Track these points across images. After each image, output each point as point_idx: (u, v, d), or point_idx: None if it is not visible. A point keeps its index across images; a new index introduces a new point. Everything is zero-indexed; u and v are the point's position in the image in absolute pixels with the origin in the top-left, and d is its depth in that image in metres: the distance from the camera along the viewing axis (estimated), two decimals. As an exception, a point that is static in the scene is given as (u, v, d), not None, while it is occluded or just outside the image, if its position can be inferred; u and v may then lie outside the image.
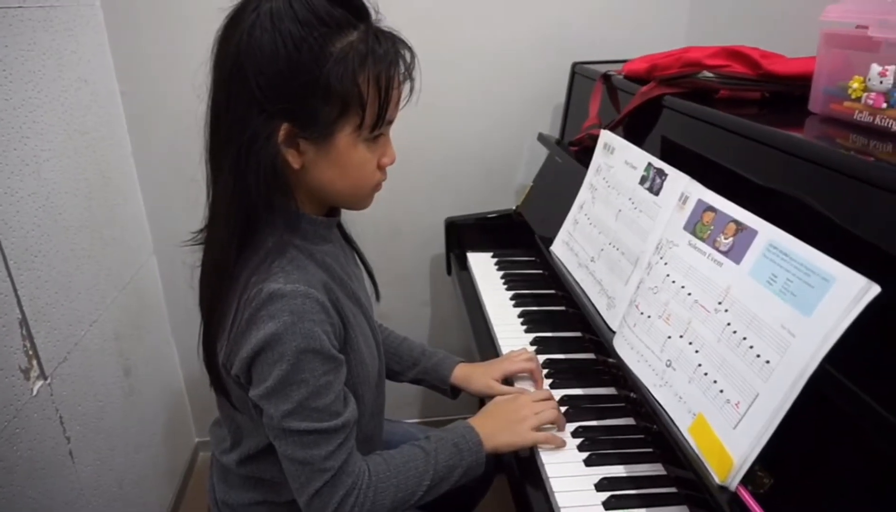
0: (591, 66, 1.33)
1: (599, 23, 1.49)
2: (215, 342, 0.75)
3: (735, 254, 0.68)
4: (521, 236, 1.37)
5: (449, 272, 1.51)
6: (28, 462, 0.96)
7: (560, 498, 0.77)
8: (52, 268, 1.07)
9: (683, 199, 0.80)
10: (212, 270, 0.74)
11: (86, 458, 1.14)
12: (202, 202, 0.76)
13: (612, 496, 0.76)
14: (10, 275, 0.95)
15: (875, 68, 0.70)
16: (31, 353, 0.99)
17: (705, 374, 0.68)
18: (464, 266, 1.43)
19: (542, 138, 1.46)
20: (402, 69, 0.71)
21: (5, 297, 0.94)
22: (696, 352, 0.70)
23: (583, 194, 1.08)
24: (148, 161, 1.47)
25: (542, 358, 1.04)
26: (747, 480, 0.60)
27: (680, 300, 0.75)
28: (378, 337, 0.87)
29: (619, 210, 0.95)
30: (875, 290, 0.53)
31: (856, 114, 0.74)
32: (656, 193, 0.87)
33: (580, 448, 0.85)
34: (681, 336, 0.73)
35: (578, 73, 1.39)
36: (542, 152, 1.45)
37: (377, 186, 0.78)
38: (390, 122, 0.74)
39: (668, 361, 0.74)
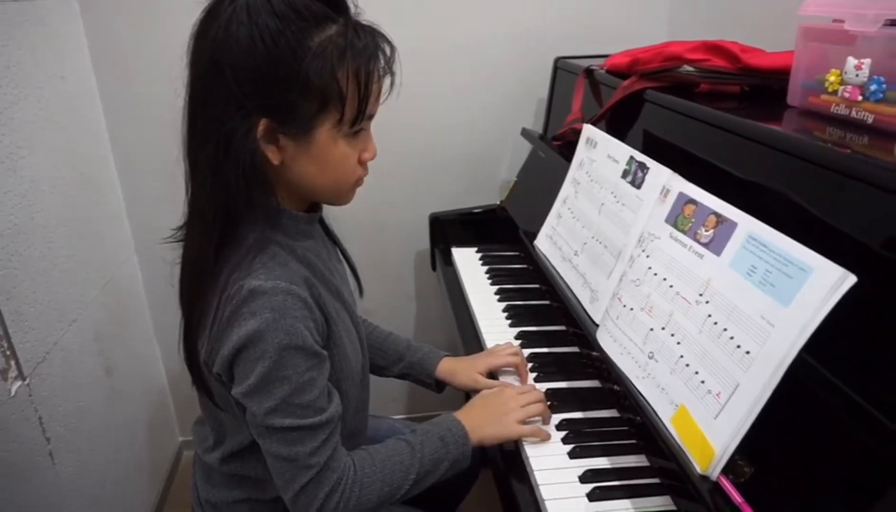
0: (574, 61, 1.33)
1: (582, 18, 1.49)
2: (196, 340, 0.74)
3: (715, 246, 0.69)
4: (505, 231, 1.37)
5: (434, 267, 1.51)
6: (6, 464, 0.95)
7: (545, 491, 0.77)
8: (30, 266, 1.06)
9: (665, 193, 0.81)
10: (191, 267, 0.73)
11: (66, 459, 1.13)
12: (183, 199, 0.75)
13: (596, 488, 0.77)
14: (-15, 274, 0.93)
15: (851, 62, 0.71)
16: (8, 353, 0.97)
17: (687, 365, 0.69)
18: (448, 261, 1.43)
19: (525, 133, 1.46)
20: (382, 63, 0.70)
21: (-19, 296, 0.92)
22: (678, 343, 0.71)
23: (566, 188, 1.09)
24: (128, 157, 1.45)
25: (526, 352, 1.04)
26: (728, 469, 0.61)
27: (662, 292, 0.75)
28: (361, 332, 0.86)
29: (602, 204, 0.96)
30: (851, 280, 0.54)
31: (833, 107, 0.75)
32: (638, 187, 0.87)
33: (564, 441, 0.85)
34: (663, 328, 0.74)
35: (561, 68, 1.39)
36: (526, 147, 1.45)
37: (358, 182, 0.78)
38: (371, 117, 0.73)
39: (651, 352, 0.75)
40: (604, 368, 0.95)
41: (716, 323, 0.66)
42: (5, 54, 1.03)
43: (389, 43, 0.71)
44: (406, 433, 0.83)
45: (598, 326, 0.88)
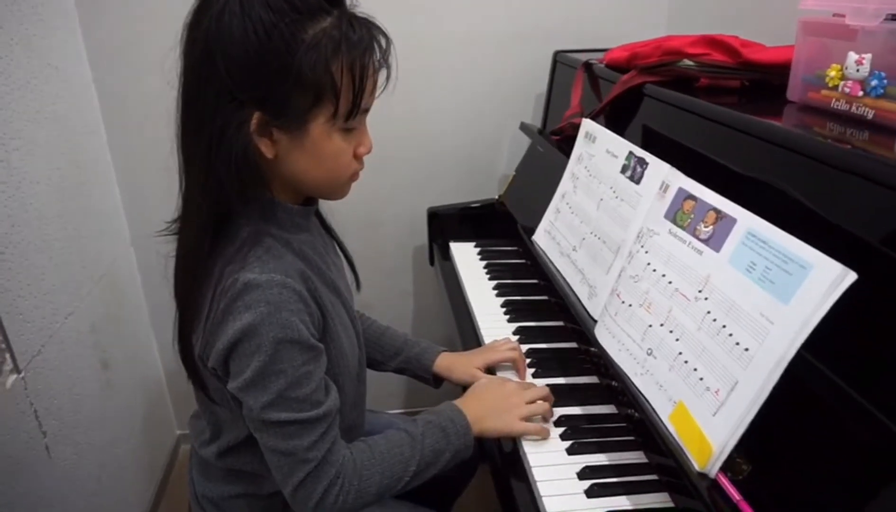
0: (573, 55, 1.32)
1: (581, 11, 1.48)
2: (191, 334, 0.73)
3: (715, 242, 0.68)
4: (503, 226, 1.36)
5: (432, 262, 1.51)
6: (2, 457, 0.94)
7: (542, 487, 0.77)
8: (25, 259, 1.05)
9: (664, 188, 0.80)
10: (185, 260, 0.73)
11: (63, 452, 1.12)
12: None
13: (594, 484, 0.77)
14: (-21, 267, 0.92)
15: (852, 56, 0.71)
16: (2, 346, 0.97)
17: (685, 362, 0.68)
18: (447, 256, 1.43)
19: (524, 127, 1.45)
20: (378, 56, 0.69)
21: (-25, 289, 0.92)
22: (677, 340, 0.70)
23: (564, 183, 1.08)
24: (124, 149, 1.44)
25: (524, 347, 1.04)
26: (727, 466, 0.61)
27: (660, 288, 0.75)
28: (358, 327, 0.86)
29: (601, 199, 0.95)
30: (851, 277, 0.54)
31: (833, 102, 0.75)
32: (637, 182, 0.87)
33: (563, 437, 0.85)
34: (661, 324, 0.73)
35: (560, 62, 1.38)
36: (525, 141, 1.44)
37: (354, 176, 0.77)
38: (366, 111, 0.73)
39: (649, 349, 0.74)
40: (602, 364, 0.94)
41: (715, 320, 0.66)
42: (-2, 45, 1.02)
43: (385, 35, 0.70)
44: (408, 421, 0.82)
45: (596, 322, 0.88)
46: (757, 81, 0.94)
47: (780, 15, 0.90)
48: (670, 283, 0.74)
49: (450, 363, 1.00)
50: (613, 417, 0.89)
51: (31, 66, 1.12)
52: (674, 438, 0.67)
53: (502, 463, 0.84)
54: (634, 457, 0.81)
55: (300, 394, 0.70)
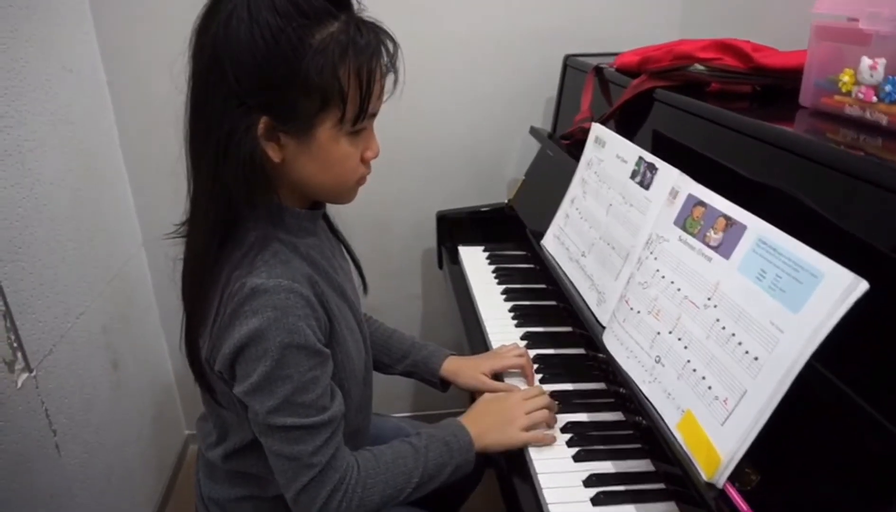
0: (584, 59, 1.32)
1: (592, 15, 1.47)
2: (198, 338, 0.74)
3: (724, 249, 0.68)
4: (512, 230, 1.36)
5: (440, 266, 1.50)
6: (13, 455, 0.95)
7: (548, 494, 0.77)
8: (37, 259, 1.06)
9: (674, 194, 0.79)
10: (193, 264, 0.73)
11: (73, 451, 1.13)
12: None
13: (600, 492, 0.76)
14: (-8, 267, 0.94)
15: (866, 61, 0.70)
16: (15, 345, 0.98)
17: (694, 370, 0.68)
18: (455, 260, 1.42)
19: (533, 132, 1.45)
20: (385, 60, 0.69)
21: (-12, 289, 0.93)
22: (685, 348, 0.70)
23: (574, 188, 1.08)
24: (136, 151, 1.45)
25: (532, 353, 1.03)
26: (735, 477, 0.60)
27: (669, 296, 0.74)
28: (364, 330, 0.86)
29: (610, 204, 0.95)
30: (863, 286, 0.53)
31: (846, 108, 0.74)
32: (647, 188, 0.86)
33: (569, 444, 0.85)
34: (670, 332, 0.73)
35: (570, 66, 1.38)
36: (535, 146, 1.44)
37: (361, 180, 0.77)
38: (373, 116, 0.73)
39: (657, 356, 0.74)
40: (610, 370, 0.94)
41: (724, 328, 0.65)
42: (13, 48, 1.03)
43: (392, 40, 0.70)
44: (411, 435, 0.82)
45: (604, 328, 0.87)
46: (769, 86, 0.93)
47: (793, 19, 0.90)
48: (679, 290, 0.73)
49: (457, 368, 1.00)
50: (621, 424, 0.88)
51: (46, 69, 1.13)
52: (681, 446, 0.66)
53: (508, 469, 0.84)
54: (641, 465, 0.81)
55: (306, 399, 0.70)
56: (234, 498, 0.86)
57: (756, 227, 0.65)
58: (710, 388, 0.65)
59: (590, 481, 0.78)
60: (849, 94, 0.73)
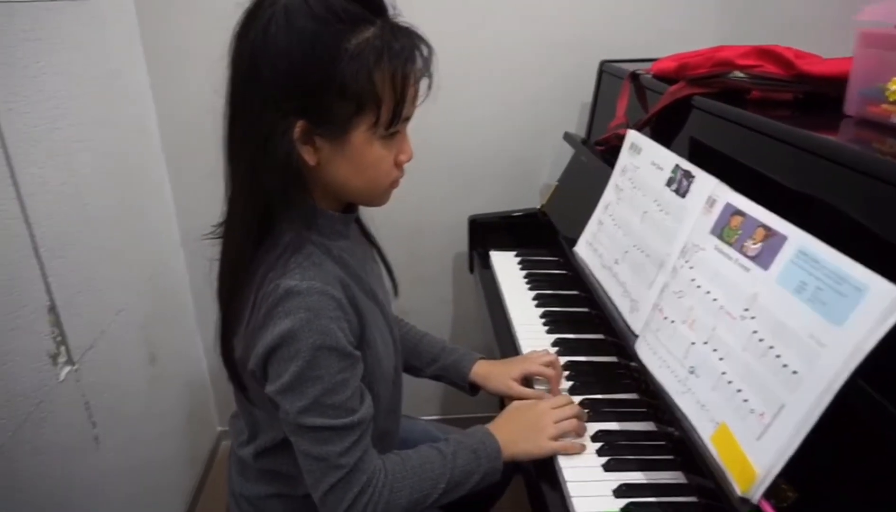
0: (620, 65, 1.31)
1: (629, 21, 1.46)
2: (232, 337, 0.75)
3: (763, 260, 0.66)
4: (545, 236, 1.35)
5: (471, 270, 1.50)
6: (54, 446, 0.98)
7: (577, 503, 0.76)
8: (81, 257, 1.10)
9: (711, 203, 0.78)
10: (229, 264, 0.75)
11: (110, 443, 1.16)
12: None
13: (630, 503, 0.75)
14: (40, 263, 0.97)
15: (916, 70, 0.68)
16: (59, 339, 1.01)
17: (729, 382, 0.66)
18: (486, 265, 1.42)
19: (567, 137, 1.44)
20: (419, 65, 0.70)
21: (36, 283, 0.96)
22: (721, 359, 0.68)
23: (608, 195, 1.07)
24: (177, 154, 1.49)
25: (563, 360, 1.02)
26: (770, 493, 0.59)
27: (705, 306, 0.73)
28: (395, 333, 0.86)
29: (645, 212, 0.93)
30: (910, 301, 0.51)
31: (893, 117, 0.72)
32: (683, 196, 0.85)
33: (599, 453, 0.84)
34: (705, 342, 0.71)
35: (606, 72, 1.37)
36: (568, 151, 1.43)
37: (394, 184, 0.78)
38: (407, 120, 0.73)
39: (692, 367, 0.73)
40: (642, 380, 0.92)
41: (761, 340, 0.64)
42: (62, 51, 1.07)
43: (427, 45, 0.70)
44: (439, 441, 0.82)
45: (637, 336, 0.86)
46: (812, 95, 0.91)
47: (838, 26, 0.87)
48: (715, 300, 0.72)
49: (486, 373, 1.00)
50: (652, 434, 0.87)
51: (94, 73, 1.17)
52: (715, 459, 0.65)
53: (537, 476, 0.84)
54: (673, 477, 0.79)
55: (335, 401, 0.71)
56: (264, 495, 0.88)
57: (797, 238, 0.63)
58: (745, 401, 0.63)
59: (620, 491, 0.77)
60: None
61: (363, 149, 0.71)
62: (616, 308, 0.94)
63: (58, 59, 1.05)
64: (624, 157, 1.04)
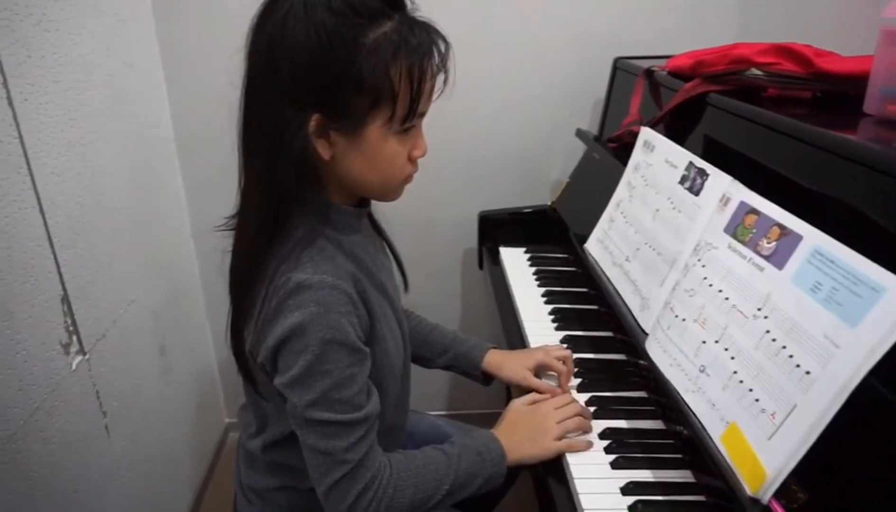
0: (634, 62, 1.30)
1: (643, 17, 1.45)
2: (243, 329, 0.75)
3: (778, 259, 0.66)
4: (555, 233, 1.35)
5: (481, 266, 1.50)
6: (66, 434, 0.99)
7: (584, 500, 0.76)
8: (94, 247, 1.10)
9: (725, 201, 0.77)
10: (241, 256, 0.75)
11: (121, 433, 1.17)
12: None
13: (638, 501, 0.75)
14: (54, 252, 0.98)
15: (938, 68, 0.66)
16: (71, 329, 1.02)
17: (741, 381, 0.66)
18: (496, 260, 1.42)
19: (580, 134, 1.44)
20: (436, 60, 0.69)
21: (49, 274, 0.97)
22: (732, 358, 0.68)
23: (620, 192, 1.06)
24: (189, 146, 1.50)
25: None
26: (781, 493, 0.58)
27: (717, 304, 0.72)
28: (405, 328, 0.86)
29: (657, 209, 0.93)
30: (928, 302, 0.50)
31: (914, 116, 0.71)
32: (696, 194, 0.84)
33: (607, 450, 0.83)
34: (716, 341, 0.71)
35: (620, 69, 1.36)
36: (580, 148, 1.42)
37: (408, 179, 0.78)
38: (422, 115, 0.73)
39: (702, 366, 0.72)
40: (651, 378, 0.92)
41: (774, 340, 0.63)
42: (79, 44, 1.08)
43: (444, 40, 0.70)
44: (444, 442, 0.82)
45: (647, 334, 0.85)
46: (830, 93, 0.89)
47: (859, 23, 0.86)
48: (727, 299, 0.71)
49: (500, 361, 1.00)
50: (661, 433, 0.87)
51: (110, 65, 1.18)
52: (725, 459, 0.65)
53: (544, 472, 0.83)
54: (681, 475, 0.79)
55: (343, 395, 0.71)
56: (272, 488, 0.88)
57: (812, 238, 0.62)
58: (757, 400, 0.63)
59: (628, 489, 0.77)
60: (917, 101, 0.70)
61: (378, 143, 0.70)
62: (626, 306, 0.93)
63: (74, 50, 1.06)
64: (637, 154, 1.03)
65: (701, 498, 0.75)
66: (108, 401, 1.13)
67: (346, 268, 0.74)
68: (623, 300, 0.95)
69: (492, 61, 1.47)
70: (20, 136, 0.91)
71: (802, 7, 1.28)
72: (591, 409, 0.90)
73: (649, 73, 1.18)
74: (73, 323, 1.03)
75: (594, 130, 1.45)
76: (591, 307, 1.18)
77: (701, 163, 0.85)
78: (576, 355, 1.03)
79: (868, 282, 0.55)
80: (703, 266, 0.77)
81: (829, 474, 0.58)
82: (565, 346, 1.06)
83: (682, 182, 0.88)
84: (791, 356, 0.60)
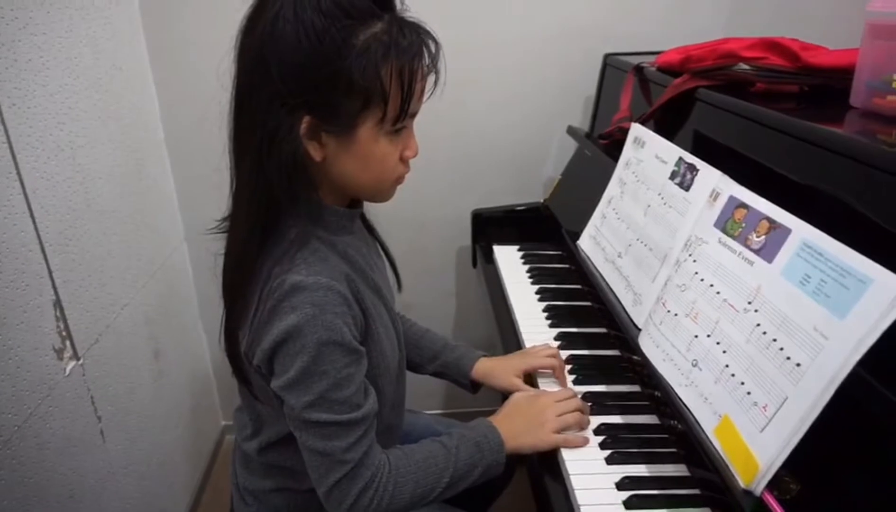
0: (624, 58, 1.30)
1: (633, 13, 1.45)
2: (237, 332, 0.75)
3: (767, 252, 0.66)
4: (548, 230, 1.35)
5: (474, 264, 1.51)
6: (60, 440, 0.99)
7: (580, 496, 0.76)
8: (86, 252, 1.10)
9: (714, 196, 0.78)
10: (234, 259, 0.75)
11: (116, 437, 1.17)
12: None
13: (633, 496, 0.75)
14: (45, 257, 0.97)
15: (922, 61, 0.67)
16: (64, 334, 1.02)
17: (732, 375, 0.66)
18: (489, 259, 1.42)
19: (571, 131, 1.44)
20: (427, 61, 0.69)
21: (41, 279, 0.96)
22: (724, 352, 0.68)
23: (611, 189, 1.07)
24: (180, 148, 1.49)
25: (565, 354, 1.03)
26: (773, 485, 0.59)
27: (708, 299, 0.73)
28: (399, 328, 0.86)
29: (648, 205, 0.93)
30: (915, 293, 0.51)
31: (900, 109, 0.71)
32: (686, 189, 0.85)
33: (602, 446, 0.84)
34: (708, 335, 0.71)
35: (610, 65, 1.36)
36: (572, 145, 1.43)
37: (399, 179, 0.78)
38: (413, 115, 0.73)
39: (695, 360, 0.73)
40: (645, 373, 0.92)
41: (765, 333, 0.63)
42: (67, 46, 1.07)
43: (434, 40, 0.70)
44: (442, 435, 0.83)
45: (640, 330, 0.86)
46: (817, 87, 0.90)
47: (845, 17, 0.87)
48: (718, 293, 0.72)
49: (489, 370, 1.00)
50: (655, 427, 0.87)
51: (98, 68, 1.17)
52: (718, 452, 0.65)
53: (540, 468, 0.84)
54: (676, 469, 0.79)
55: (341, 396, 0.71)
56: (268, 489, 0.88)
57: (801, 231, 0.63)
58: (748, 393, 0.63)
59: (623, 484, 0.77)
60: (902, 94, 0.71)
61: (369, 145, 0.70)
62: (619, 302, 0.94)
63: (61, 54, 1.05)
64: (628, 150, 1.04)
65: (695, 492, 0.76)
66: (103, 405, 1.13)
67: (340, 268, 0.74)
68: (616, 296, 0.95)
69: (482, 60, 1.47)
70: (9, 141, 0.90)
71: (791, 1, 1.29)
72: (588, 404, 0.90)
73: (639, 69, 1.18)
74: (66, 328, 1.03)
75: (586, 127, 1.46)
76: (585, 304, 1.19)
77: (691, 158, 0.86)
78: (570, 352, 1.04)
79: (855, 273, 0.55)
80: (694, 261, 0.78)
81: (821, 465, 0.58)
82: (557, 344, 1.06)
83: (672, 178, 0.89)
84: (781, 349, 0.61)
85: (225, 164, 0.75)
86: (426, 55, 0.69)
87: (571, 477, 0.79)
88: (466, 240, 1.53)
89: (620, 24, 1.45)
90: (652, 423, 0.88)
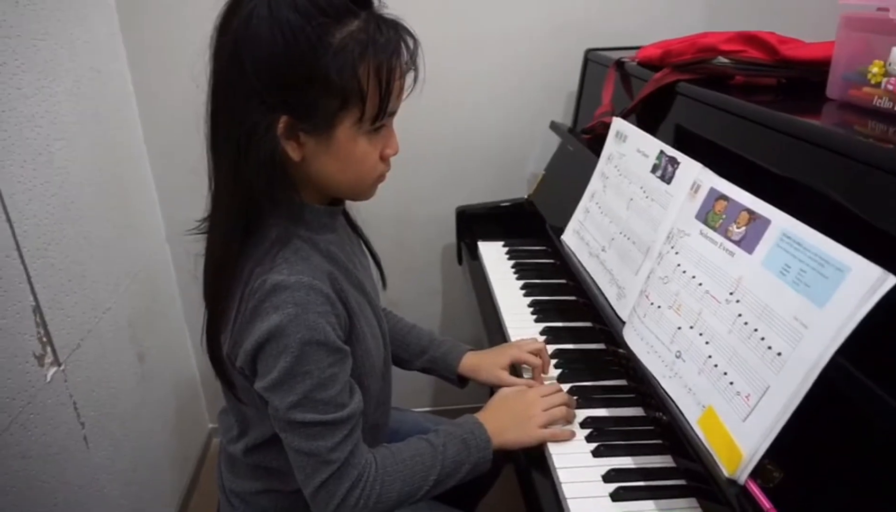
0: (605, 53, 1.31)
1: (614, 9, 1.46)
2: (219, 333, 0.74)
3: (747, 243, 0.67)
4: (532, 225, 1.36)
5: (460, 261, 1.51)
6: (43, 447, 0.98)
7: (567, 489, 0.77)
8: (66, 256, 1.08)
9: (695, 188, 0.79)
10: (214, 260, 0.74)
11: (100, 443, 1.16)
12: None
13: (619, 488, 0.76)
14: (23, 263, 0.96)
15: (896, 52, 0.68)
16: (44, 340, 1.00)
17: (715, 365, 0.67)
18: (475, 255, 1.42)
19: (554, 126, 1.44)
20: (405, 58, 0.69)
21: (19, 284, 0.95)
22: (707, 343, 0.69)
23: (594, 183, 1.07)
24: (160, 149, 1.48)
25: (551, 348, 1.03)
26: (757, 473, 0.60)
27: (690, 291, 0.73)
28: (384, 326, 0.86)
29: (631, 199, 0.94)
30: (891, 281, 0.52)
31: (875, 100, 0.72)
32: (668, 182, 0.85)
33: (588, 439, 0.84)
34: (691, 327, 0.72)
35: (592, 60, 1.37)
36: (555, 141, 1.43)
37: (380, 178, 0.77)
38: (392, 114, 0.72)
39: (678, 352, 0.73)
40: (630, 365, 0.93)
41: (746, 323, 0.64)
42: (43, 48, 1.05)
43: (413, 37, 0.69)
44: (429, 433, 0.83)
45: (624, 323, 0.86)
46: (795, 79, 0.91)
47: (821, 9, 0.88)
48: (700, 284, 0.72)
49: (475, 364, 1.00)
50: (641, 419, 0.88)
51: (75, 70, 1.16)
52: (702, 442, 0.66)
53: (527, 463, 0.84)
54: (661, 461, 0.80)
55: (325, 396, 0.71)
56: (255, 491, 0.88)
57: (780, 222, 0.64)
58: (731, 383, 0.64)
59: (609, 476, 0.78)
60: (878, 85, 0.72)
61: (348, 144, 0.70)
62: (603, 295, 0.94)
63: (37, 56, 1.04)
64: (610, 144, 1.04)
65: (681, 482, 0.76)
66: (86, 411, 1.11)
67: (323, 267, 0.73)
68: (600, 290, 0.96)
69: (464, 56, 1.46)
70: (-17, 145, 0.89)
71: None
72: (574, 398, 0.91)
73: (620, 64, 1.19)
74: (47, 333, 1.01)
75: (568, 122, 1.46)
76: (570, 298, 1.19)
77: (672, 151, 0.86)
78: (556, 346, 1.04)
79: (833, 262, 0.56)
80: (677, 253, 0.78)
81: (803, 453, 0.59)
82: (542, 338, 1.06)
83: (653, 171, 0.89)
84: (763, 339, 0.62)
85: (204, 164, 0.74)
86: (404, 52, 0.68)
87: (558, 470, 0.79)
88: (451, 237, 1.53)
89: (602, 20, 1.46)
90: (637, 415, 0.89)
